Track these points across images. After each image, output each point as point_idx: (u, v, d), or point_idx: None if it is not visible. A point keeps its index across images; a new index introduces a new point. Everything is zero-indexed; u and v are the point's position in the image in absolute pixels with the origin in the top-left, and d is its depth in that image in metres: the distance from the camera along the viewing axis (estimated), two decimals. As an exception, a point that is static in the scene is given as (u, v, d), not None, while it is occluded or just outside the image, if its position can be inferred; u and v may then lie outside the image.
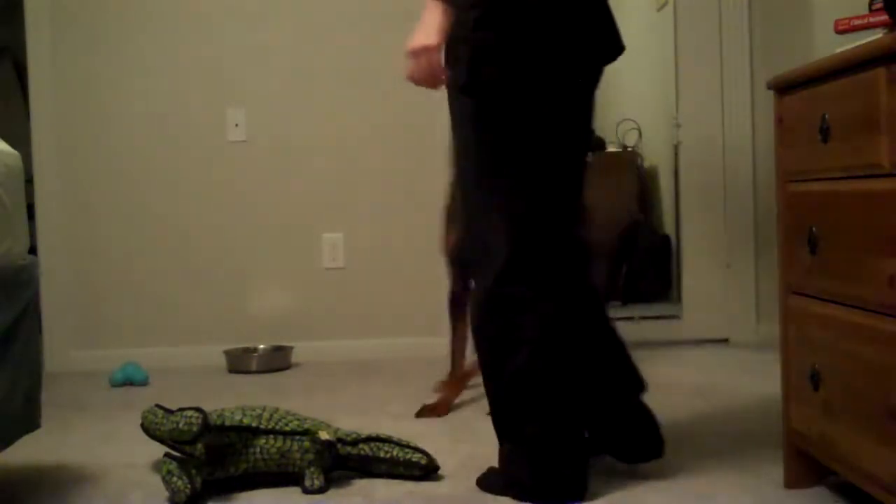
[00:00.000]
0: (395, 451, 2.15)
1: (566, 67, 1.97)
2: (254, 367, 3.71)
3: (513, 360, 1.96)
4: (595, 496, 2.00)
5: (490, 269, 1.97)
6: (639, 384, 2.17)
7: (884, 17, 1.80)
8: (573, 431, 1.99)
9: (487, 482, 2.09)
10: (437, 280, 3.98)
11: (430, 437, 2.46)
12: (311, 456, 2.09)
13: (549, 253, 1.99)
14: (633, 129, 5.44)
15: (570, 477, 1.96)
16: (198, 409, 2.06)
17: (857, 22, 1.88)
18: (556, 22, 1.92)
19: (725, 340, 3.97)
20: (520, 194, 1.96)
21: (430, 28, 1.90)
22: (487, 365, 2.05)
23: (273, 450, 2.10)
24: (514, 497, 1.98)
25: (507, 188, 1.96)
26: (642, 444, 2.13)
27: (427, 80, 1.96)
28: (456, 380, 3.01)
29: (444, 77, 1.96)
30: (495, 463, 2.18)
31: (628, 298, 5.01)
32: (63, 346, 3.88)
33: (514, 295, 1.96)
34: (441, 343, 3.95)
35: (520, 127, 1.95)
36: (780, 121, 1.99)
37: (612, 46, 2.02)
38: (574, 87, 2.01)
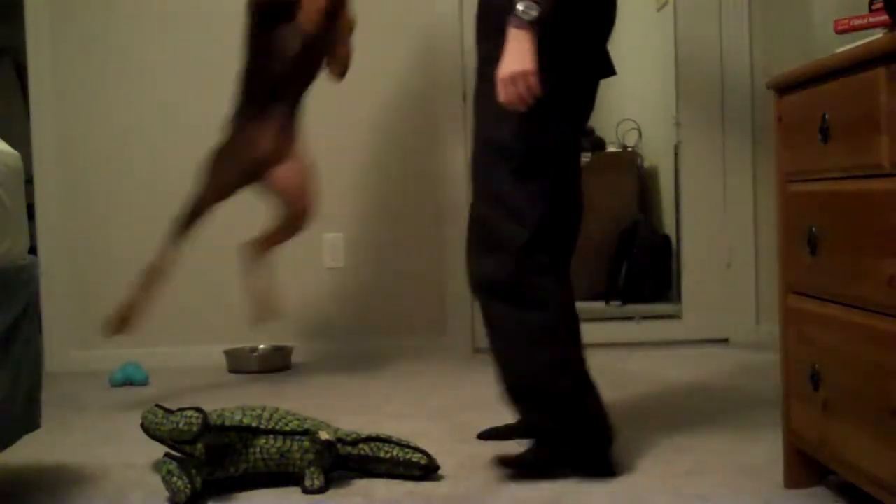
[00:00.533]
0: (395, 451, 2.15)
1: (595, 68, 2.28)
2: (254, 367, 3.71)
3: (542, 317, 2.16)
4: (595, 496, 2.00)
5: (513, 243, 2.16)
6: None
7: (884, 17, 1.80)
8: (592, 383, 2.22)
9: (528, 462, 2.19)
10: (438, 280, 3.99)
11: (430, 437, 2.46)
12: (311, 456, 2.09)
13: (560, 231, 2.28)
14: (633, 129, 5.44)
15: (605, 426, 2.18)
16: (198, 409, 2.06)
17: (857, 22, 1.88)
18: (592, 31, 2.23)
19: (725, 340, 3.97)
20: (549, 180, 2.22)
21: (523, 55, 2.05)
22: (510, 327, 2.18)
23: (273, 450, 2.10)
24: (546, 469, 2.16)
25: (540, 175, 2.21)
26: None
27: (524, 103, 2.09)
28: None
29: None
30: (495, 463, 2.20)
31: (628, 298, 5.01)
32: (63, 346, 3.88)
33: (539, 261, 2.18)
34: (441, 343, 3.97)
35: (558, 121, 2.21)
36: (780, 121, 1.99)
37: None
38: (595, 85, 2.31)
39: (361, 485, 2.13)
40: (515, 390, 2.19)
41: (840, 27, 1.91)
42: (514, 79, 2.05)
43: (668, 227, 5.15)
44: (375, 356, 3.89)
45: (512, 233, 2.17)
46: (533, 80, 2.05)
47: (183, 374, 3.61)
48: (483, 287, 2.20)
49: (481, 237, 2.24)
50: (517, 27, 2.04)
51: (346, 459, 2.16)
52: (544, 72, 2.06)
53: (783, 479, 2.02)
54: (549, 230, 2.21)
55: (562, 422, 2.16)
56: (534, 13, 2.02)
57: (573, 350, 2.25)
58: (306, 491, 2.07)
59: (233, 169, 3.17)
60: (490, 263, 2.19)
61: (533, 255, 2.17)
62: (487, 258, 2.19)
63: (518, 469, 2.18)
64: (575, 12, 2.15)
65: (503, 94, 2.07)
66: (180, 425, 2.04)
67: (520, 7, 2.02)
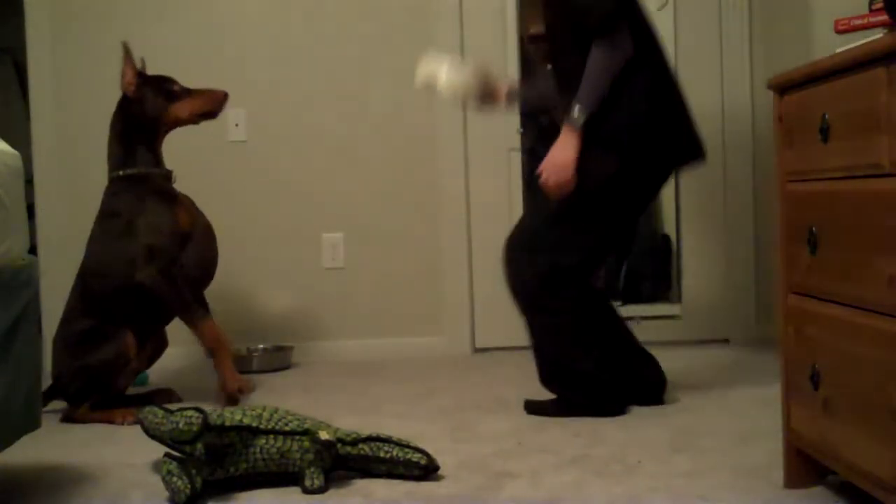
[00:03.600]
0: (395, 451, 2.15)
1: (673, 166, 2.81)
2: (254, 367, 3.71)
3: (566, 317, 2.74)
4: (595, 496, 2.00)
5: (547, 260, 2.71)
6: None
7: (884, 17, 1.80)
8: (614, 366, 2.78)
9: (539, 407, 2.77)
10: (437, 280, 3.99)
11: (430, 437, 2.46)
12: (311, 456, 2.09)
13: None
14: (633, 129, 5.43)
15: (615, 398, 2.75)
16: (198, 409, 2.06)
17: (857, 22, 1.88)
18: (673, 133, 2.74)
19: (725, 340, 3.97)
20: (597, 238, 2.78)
21: (570, 151, 2.59)
22: (544, 326, 2.76)
23: (273, 450, 2.10)
24: (570, 414, 2.70)
25: (589, 232, 2.74)
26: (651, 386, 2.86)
27: (562, 189, 2.62)
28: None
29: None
30: (495, 464, 2.24)
31: (628, 298, 5.00)
32: (63, 346, 3.87)
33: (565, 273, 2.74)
34: (441, 343, 3.97)
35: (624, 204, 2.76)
36: (780, 121, 1.99)
37: (699, 150, 2.80)
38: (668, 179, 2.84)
39: (361, 485, 2.13)
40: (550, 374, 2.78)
41: (840, 27, 1.91)
42: (564, 167, 2.58)
43: (669, 227, 5.14)
44: (375, 356, 3.89)
45: (541, 258, 2.73)
46: (572, 171, 2.58)
47: (183, 374, 3.61)
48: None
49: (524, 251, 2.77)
50: (569, 126, 2.59)
51: (346, 459, 2.16)
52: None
53: (783, 479, 2.02)
54: (587, 267, 2.82)
55: (578, 395, 2.74)
56: (582, 120, 2.57)
57: (596, 336, 2.79)
58: (306, 491, 2.07)
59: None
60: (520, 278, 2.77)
61: (562, 271, 2.72)
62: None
63: (540, 414, 2.74)
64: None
65: (549, 178, 2.60)
66: (180, 425, 2.04)
67: (576, 112, 2.57)
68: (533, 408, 2.79)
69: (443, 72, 2.93)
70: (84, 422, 2.90)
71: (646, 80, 2.65)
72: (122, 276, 2.98)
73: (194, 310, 3.00)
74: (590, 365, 2.73)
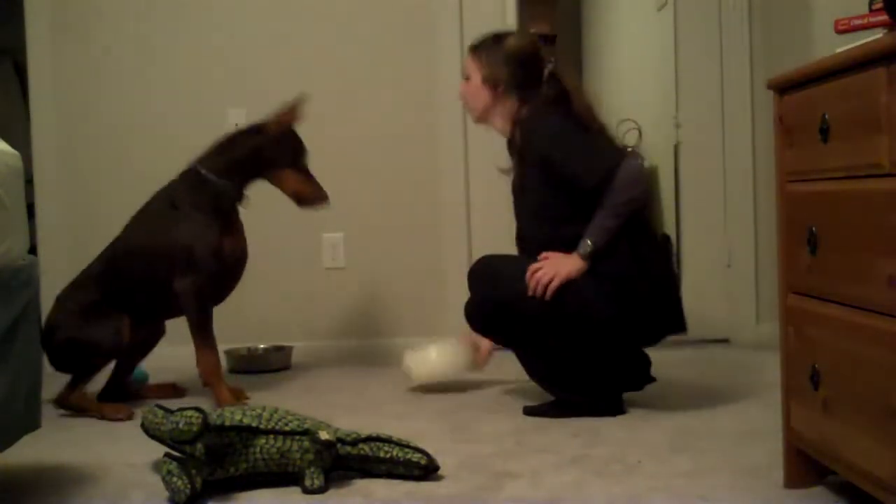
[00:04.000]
0: (395, 451, 2.14)
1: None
2: (254, 367, 3.71)
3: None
4: (595, 496, 2.00)
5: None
6: None
7: (884, 17, 1.80)
8: (614, 373, 2.75)
9: (539, 410, 2.75)
10: (438, 280, 3.99)
11: (430, 437, 2.46)
12: (311, 456, 2.09)
13: None
14: (634, 129, 5.44)
15: (612, 399, 2.74)
16: (198, 409, 2.06)
17: (857, 22, 1.88)
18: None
19: (725, 340, 3.97)
20: None
21: (576, 268, 2.62)
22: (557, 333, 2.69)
23: (273, 450, 2.10)
24: (571, 414, 2.68)
25: None
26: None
27: (540, 290, 2.61)
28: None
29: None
30: (495, 464, 2.24)
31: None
32: (63, 346, 3.87)
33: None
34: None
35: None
36: (780, 121, 1.99)
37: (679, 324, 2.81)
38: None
39: (361, 485, 2.13)
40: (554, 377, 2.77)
41: (840, 27, 1.90)
42: (559, 275, 2.60)
43: (668, 227, 5.14)
44: (375, 356, 3.89)
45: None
46: (560, 283, 2.59)
47: (183, 374, 3.61)
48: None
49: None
50: (581, 256, 2.62)
51: (346, 459, 2.16)
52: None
53: (783, 479, 2.02)
54: None
55: (587, 396, 2.72)
56: (590, 251, 2.61)
57: (599, 351, 2.72)
58: (306, 491, 2.07)
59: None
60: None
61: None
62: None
63: (541, 416, 2.72)
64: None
65: (542, 274, 2.61)
66: (180, 425, 2.04)
67: (588, 244, 2.61)
68: (532, 411, 2.78)
69: (422, 364, 3.17)
70: (74, 408, 2.91)
71: (630, 244, 2.65)
72: (152, 265, 2.97)
73: (207, 336, 3.00)
74: (588, 363, 2.71)
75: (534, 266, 2.64)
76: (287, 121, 3.11)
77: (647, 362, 2.83)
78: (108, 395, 3.07)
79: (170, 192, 3.10)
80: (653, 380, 2.83)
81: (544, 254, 2.65)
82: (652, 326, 2.73)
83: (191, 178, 3.08)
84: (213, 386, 2.99)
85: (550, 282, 2.60)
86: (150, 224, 3.06)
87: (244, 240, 3.17)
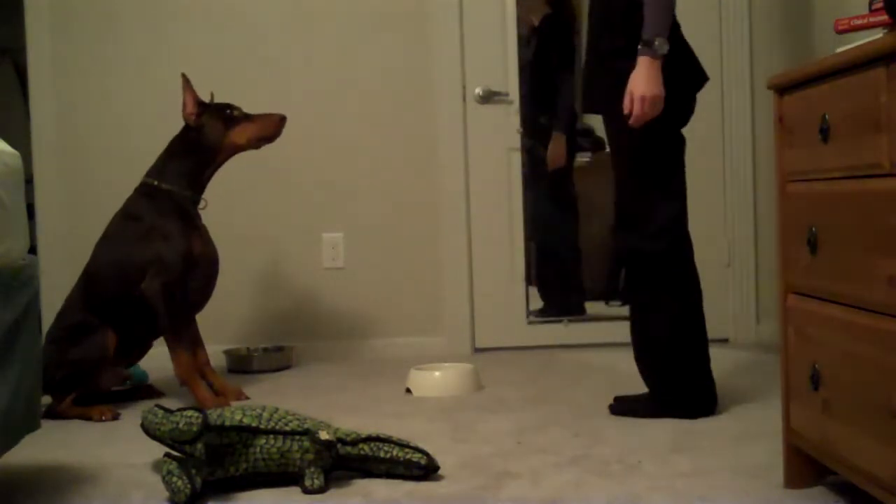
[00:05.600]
0: (395, 451, 2.14)
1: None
2: (254, 367, 3.71)
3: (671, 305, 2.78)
4: (595, 496, 2.00)
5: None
6: None
7: (884, 17, 1.80)
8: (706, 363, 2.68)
9: (629, 408, 2.68)
10: (438, 280, 3.99)
11: (430, 437, 2.46)
12: (311, 456, 2.09)
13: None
14: (633, 129, 5.44)
15: (708, 395, 2.67)
16: (198, 409, 2.07)
17: (857, 22, 1.88)
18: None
19: (725, 340, 3.97)
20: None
21: (656, 81, 2.49)
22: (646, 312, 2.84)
23: (273, 450, 2.10)
24: (663, 415, 2.61)
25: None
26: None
27: (646, 120, 2.53)
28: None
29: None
30: (495, 465, 2.24)
31: (628, 298, 4.99)
32: (63, 346, 3.87)
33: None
34: (441, 343, 3.97)
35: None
36: (780, 121, 1.99)
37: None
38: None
39: (361, 485, 2.13)
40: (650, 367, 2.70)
41: (840, 27, 1.90)
42: (653, 100, 2.47)
43: (668, 227, 5.14)
44: (375, 356, 3.89)
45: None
46: (661, 105, 2.49)
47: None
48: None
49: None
50: (652, 57, 2.46)
51: (346, 459, 2.16)
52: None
53: (783, 479, 2.02)
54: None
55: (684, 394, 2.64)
56: (666, 48, 2.46)
57: (697, 330, 2.71)
58: (306, 491, 2.07)
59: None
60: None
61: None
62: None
63: (628, 413, 2.67)
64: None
65: (638, 109, 2.49)
66: (180, 425, 2.04)
67: (656, 42, 2.45)
68: (621, 408, 2.70)
69: (425, 388, 3.13)
70: (65, 416, 2.93)
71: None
72: (127, 279, 3.01)
73: (179, 337, 3.04)
74: (694, 357, 2.64)
75: (631, 121, 2.56)
76: (189, 105, 3.13)
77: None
78: (83, 398, 3.05)
79: (129, 208, 3.15)
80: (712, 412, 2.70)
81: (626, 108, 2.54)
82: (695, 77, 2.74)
83: (145, 190, 3.13)
84: (190, 385, 3.01)
85: (652, 116, 2.52)
86: (117, 239, 3.10)
87: (211, 241, 3.19)
